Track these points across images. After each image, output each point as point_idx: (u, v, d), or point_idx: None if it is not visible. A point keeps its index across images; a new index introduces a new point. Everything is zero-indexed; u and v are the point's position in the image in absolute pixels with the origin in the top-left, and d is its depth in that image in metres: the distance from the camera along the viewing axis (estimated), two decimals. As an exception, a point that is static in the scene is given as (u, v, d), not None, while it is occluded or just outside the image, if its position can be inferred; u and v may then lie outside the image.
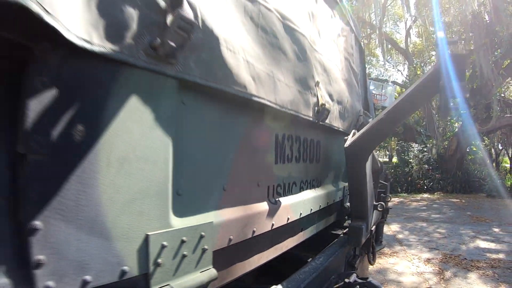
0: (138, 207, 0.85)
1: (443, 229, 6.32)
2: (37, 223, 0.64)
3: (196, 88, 1.03)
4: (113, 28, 0.77)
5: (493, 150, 20.57)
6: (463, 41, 14.15)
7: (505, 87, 16.14)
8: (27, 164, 0.65)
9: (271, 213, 1.43)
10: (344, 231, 2.18)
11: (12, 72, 0.67)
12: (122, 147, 0.80)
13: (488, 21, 12.48)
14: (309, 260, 1.79)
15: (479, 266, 4.21)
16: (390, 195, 2.76)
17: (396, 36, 23.10)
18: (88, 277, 0.73)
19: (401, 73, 26.88)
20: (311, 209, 1.80)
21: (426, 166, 13.76)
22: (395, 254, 4.67)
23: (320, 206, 1.92)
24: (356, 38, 2.81)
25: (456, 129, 14.53)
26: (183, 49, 0.92)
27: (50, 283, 0.66)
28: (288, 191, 1.64)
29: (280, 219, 1.49)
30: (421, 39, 21.36)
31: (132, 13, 0.80)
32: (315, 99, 1.66)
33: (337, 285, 1.64)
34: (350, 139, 1.82)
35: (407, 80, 19.21)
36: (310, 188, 1.86)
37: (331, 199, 2.11)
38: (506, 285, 3.63)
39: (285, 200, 1.56)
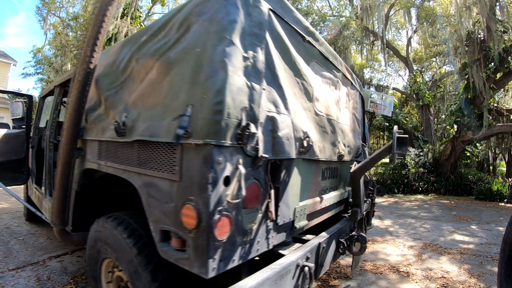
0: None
1: (428, 225, 7.44)
2: None
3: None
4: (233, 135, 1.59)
5: (490, 154, 21.33)
6: (459, 55, 15.25)
7: (499, 97, 17.10)
8: None
9: (321, 201, 2.80)
10: (349, 214, 3.47)
11: None
12: None
13: (482, 38, 13.47)
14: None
15: (451, 252, 5.33)
16: (376, 196, 4.09)
17: (398, 43, 23.70)
18: None
19: (402, 78, 27.61)
20: (334, 201, 3.14)
21: (422, 169, 14.38)
22: (385, 242, 5.84)
23: (338, 199, 3.26)
24: (359, 93, 4.07)
25: (452, 136, 15.29)
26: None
27: None
28: (325, 192, 2.97)
29: (323, 204, 2.85)
30: (421, 46, 22.13)
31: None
32: (337, 150, 2.99)
33: (346, 236, 2.94)
34: (353, 168, 3.24)
35: (408, 86, 19.84)
36: (334, 191, 3.19)
37: (342, 196, 3.42)
38: (468, 265, 4.77)
39: (324, 196, 2.90)
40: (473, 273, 4.49)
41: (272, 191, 1.93)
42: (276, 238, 2.07)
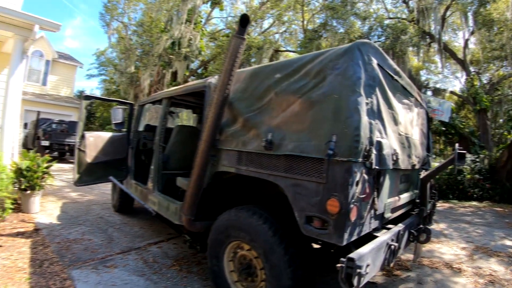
0: None
1: (480, 230, 7.73)
2: None
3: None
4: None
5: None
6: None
7: None
8: None
9: (399, 200, 3.52)
10: (416, 211, 4.11)
11: None
12: None
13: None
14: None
15: (500, 255, 5.70)
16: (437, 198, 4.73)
17: (454, 44, 23.11)
18: None
19: (459, 81, 26.76)
20: (406, 200, 3.82)
21: (478, 176, 13.99)
22: (440, 242, 6.31)
23: (409, 199, 3.93)
24: (425, 110, 4.72)
25: (509, 142, 14.93)
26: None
27: None
28: (401, 193, 3.66)
29: (400, 202, 3.57)
30: (478, 48, 21.50)
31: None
32: (411, 161, 3.64)
33: (415, 228, 3.65)
34: (422, 174, 4.08)
35: (465, 89, 19.48)
36: (406, 193, 3.86)
37: (412, 197, 4.07)
38: (516, 266, 5.19)
39: (401, 196, 3.62)
40: (518, 274, 4.91)
41: (375, 191, 2.75)
42: (374, 224, 2.88)
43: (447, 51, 19.40)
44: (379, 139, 2.66)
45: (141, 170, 6.23)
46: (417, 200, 4.20)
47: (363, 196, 2.53)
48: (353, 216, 2.41)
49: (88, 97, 5.95)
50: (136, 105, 6.48)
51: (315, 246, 4.14)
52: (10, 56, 7.43)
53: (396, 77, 3.36)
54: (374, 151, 2.52)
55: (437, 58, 22.76)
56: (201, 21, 23.47)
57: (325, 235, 2.48)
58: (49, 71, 24.83)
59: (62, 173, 13.25)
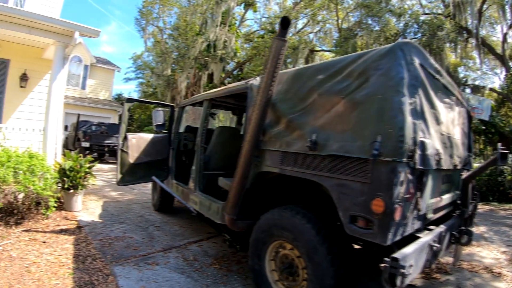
0: None
1: (522, 234, 7.48)
2: None
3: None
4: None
5: None
6: None
7: None
8: None
9: (441, 200, 3.46)
10: (457, 213, 4.01)
11: None
12: None
13: None
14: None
15: (541, 259, 5.55)
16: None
17: (493, 38, 22.28)
18: None
19: (499, 77, 25.63)
20: (448, 201, 3.75)
21: None
22: (480, 246, 6.11)
23: (450, 200, 3.85)
24: (466, 109, 4.61)
25: None
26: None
27: None
28: (443, 194, 3.60)
29: (442, 203, 3.50)
30: None
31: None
32: (453, 161, 3.58)
33: (457, 230, 3.61)
34: (465, 175, 4.00)
35: (505, 86, 18.73)
36: (448, 193, 3.78)
37: (453, 198, 3.98)
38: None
39: (443, 197, 3.55)
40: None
41: (419, 191, 2.72)
42: (416, 224, 2.85)
43: (485, 46, 18.67)
44: (423, 139, 2.63)
45: (182, 171, 6.35)
46: (458, 201, 4.10)
47: (407, 196, 2.52)
48: (397, 216, 2.41)
49: (130, 100, 6.20)
50: (177, 107, 6.62)
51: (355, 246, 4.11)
52: (51, 62, 7.72)
53: (437, 76, 3.32)
54: (418, 151, 2.52)
55: (475, 53, 21.86)
56: (235, 23, 23.70)
57: (369, 234, 2.50)
58: (87, 75, 25.64)
59: (102, 173, 13.69)
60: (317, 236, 2.90)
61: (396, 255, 2.33)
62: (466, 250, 5.77)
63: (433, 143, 2.92)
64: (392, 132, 2.37)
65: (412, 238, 2.85)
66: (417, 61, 2.71)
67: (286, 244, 3.29)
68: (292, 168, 3.22)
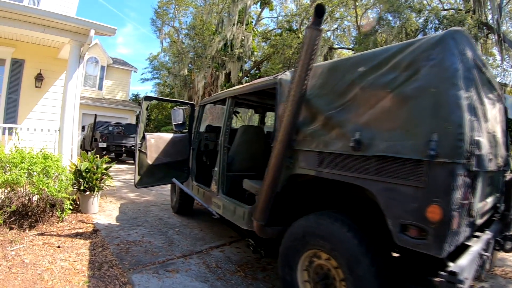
0: None
1: None
2: None
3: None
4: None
5: None
6: None
7: None
8: None
9: (486, 204, 3.08)
10: (498, 217, 3.65)
11: None
12: None
13: None
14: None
15: None
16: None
17: None
18: None
19: None
20: (491, 205, 3.38)
21: None
22: (516, 251, 5.75)
23: (493, 204, 3.48)
24: (504, 106, 4.21)
25: None
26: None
27: None
28: (487, 197, 3.23)
29: (487, 206, 3.13)
30: None
31: None
32: (497, 162, 3.23)
33: (500, 236, 3.30)
34: (508, 176, 3.66)
35: None
36: (491, 196, 3.41)
37: (495, 201, 3.62)
38: None
39: (487, 200, 3.18)
40: None
41: (472, 195, 2.41)
42: (467, 232, 2.50)
43: (506, 42, 18.20)
44: (477, 138, 2.34)
45: (203, 172, 6.10)
46: (498, 205, 3.75)
47: (464, 202, 2.23)
48: (454, 224, 2.13)
49: (148, 98, 5.87)
50: (197, 105, 6.36)
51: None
52: (66, 62, 7.59)
53: (483, 69, 3.02)
54: (475, 151, 2.24)
55: (495, 50, 21.35)
56: (252, 22, 23.51)
57: (422, 245, 2.20)
58: (104, 76, 25.82)
59: (120, 174, 13.61)
60: (359, 246, 2.59)
61: (453, 268, 2.11)
62: (499, 255, 5.39)
63: (485, 142, 2.62)
64: (450, 130, 2.09)
65: (461, 247, 2.57)
66: (469, 51, 2.41)
67: (322, 254, 2.97)
68: (331, 171, 2.89)
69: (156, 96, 34.89)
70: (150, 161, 5.52)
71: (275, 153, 3.11)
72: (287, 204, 3.61)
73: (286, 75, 3.60)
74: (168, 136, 5.90)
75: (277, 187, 3.23)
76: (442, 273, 2.11)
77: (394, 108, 2.44)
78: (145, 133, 5.60)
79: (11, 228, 5.10)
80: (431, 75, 2.25)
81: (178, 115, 5.82)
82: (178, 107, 6.14)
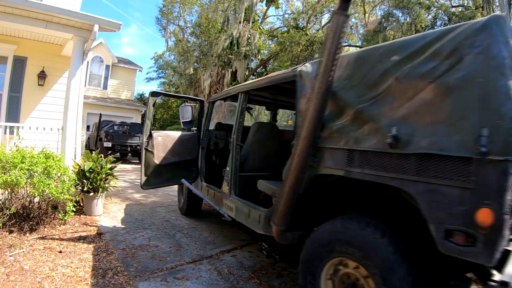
0: None
1: None
2: None
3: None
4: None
5: None
6: None
7: None
8: None
9: None
10: None
11: None
12: None
13: None
14: None
15: None
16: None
17: None
18: None
19: None
20: None
21: None
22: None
23: None
24: None
25: None
26: None
27: None
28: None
29: None
30: None
31: None
32: None
33: None
34: None
35: None
36: None
37: None
38: None
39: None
40: None
41: None
42: (509, 236, 2.18)
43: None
44: None
45: (213, 172, 5.83)
46: None
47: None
48: (506, 229, 1.87)
49: (155, 93, 5.57)
50: (207, 102, 6.06)
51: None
52: (69, 59, 7.38)
53: None
54: None
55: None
56: (258, 20, 23.28)
57: (470, 253, 1.94)
58: (109, 76, 25.68)
59: (125, 174, 13.41)
60: (395, 254, 2.32)
61: (505, 278, 1.93)
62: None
63: None
64: (502, 124, 1.83)
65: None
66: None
67: (349, 262, 2.69)
68: (363, 170, 2.60)
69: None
70: (157, 160, 5.25)
71: (298, 152, 2.80)
72: (308, 207, 3.32)
73: (307, 67, 3.30)
74: (176, 134, 5.62)
75: (300, 188, 2.92)
76: (492, 283, 1.91)
77: (436, 100, 2.17)
78: (152, 131, 5.32)
79: (11, 232, 4.86)
80: (476, 64, 2.00)
81: (187, 112, 5.54)
82: (187, 103, 5.86)
